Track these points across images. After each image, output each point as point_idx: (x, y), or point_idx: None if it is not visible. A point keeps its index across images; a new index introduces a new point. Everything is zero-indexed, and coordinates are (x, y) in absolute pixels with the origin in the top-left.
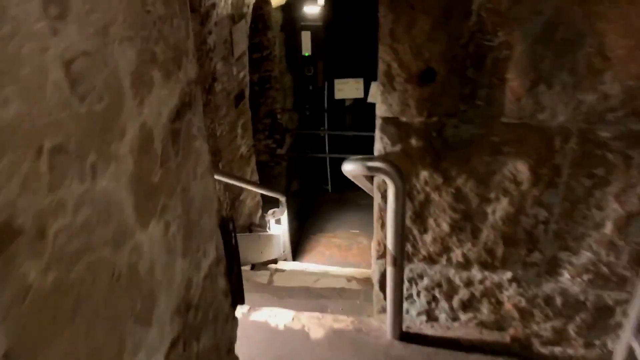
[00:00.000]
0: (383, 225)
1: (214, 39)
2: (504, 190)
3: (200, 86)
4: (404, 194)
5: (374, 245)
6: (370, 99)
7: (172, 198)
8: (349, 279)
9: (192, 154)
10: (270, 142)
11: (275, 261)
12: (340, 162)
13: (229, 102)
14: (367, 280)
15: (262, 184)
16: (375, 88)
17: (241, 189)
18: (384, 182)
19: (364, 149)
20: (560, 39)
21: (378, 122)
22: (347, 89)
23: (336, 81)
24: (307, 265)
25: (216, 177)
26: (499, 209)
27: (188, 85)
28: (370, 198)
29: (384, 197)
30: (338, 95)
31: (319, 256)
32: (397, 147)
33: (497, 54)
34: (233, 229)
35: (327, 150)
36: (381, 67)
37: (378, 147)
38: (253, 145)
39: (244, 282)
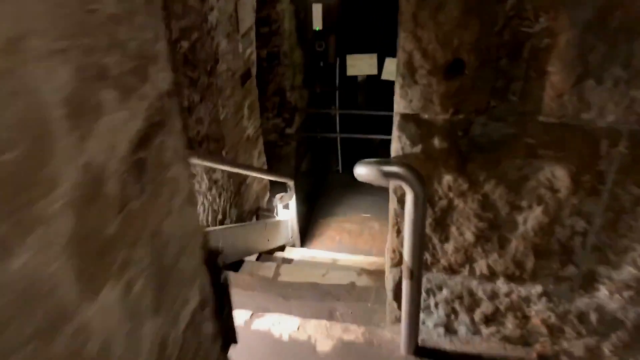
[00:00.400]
0: (399, 232)
1: (216, 16)
2: (538, 198)
3: (202, 68)
4: (425, 203)
5: (388, 252)
6: (384, 76)
7: (137, 247)
8: (360, 272)
9: (165, 184)
10: (278, 121)
11: (283, 248)
12: (351, 141)
13: (234, 82)
14: (378, 274)
15: (269, 165)
16: (390, 64)
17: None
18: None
19: (376, 128)
20: (614, 26)
21: (396, 119)
22: (360, 65)
23: (348, 57)
24: (316, 252)
25: (219, 166)
26: (531, 219)
27: (159, 99)
28: None
29: (401, 202)
30: (350, 71)
31: (328, 241)
32: (418, 148)
33: (537, 43)
34: (223, 261)
35: (338, 130)
36: (401, 57)
37: (396, 148)
38: (260, 125)
39: (249, 277)
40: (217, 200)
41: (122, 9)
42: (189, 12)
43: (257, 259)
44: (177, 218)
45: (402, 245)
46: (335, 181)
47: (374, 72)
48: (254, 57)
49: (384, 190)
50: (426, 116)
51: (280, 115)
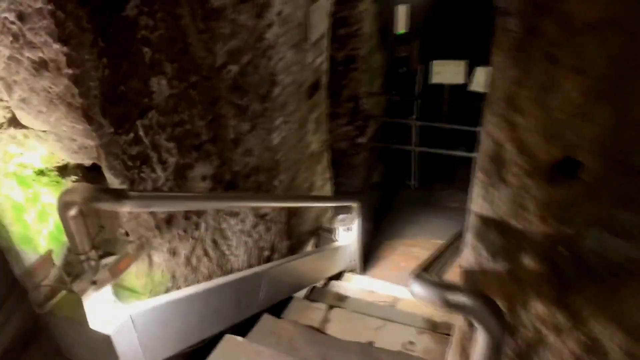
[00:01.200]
0: (465, 357)
1: (276, 32)
2: None
3: (254, 93)
4: (503, 348)
5: None
6: (473, 87)
7: None
8: (422, 327)
9: None
10: (350, 129)
11: (341, 275)
12: (429, 156)
13: (299, 95)
14: (444, 329)
15: (337, 174)
16: (480, 73)
17: (307, 190)
18: None
19: (458, 143)
20: None
21: (473, 221)
22: (447, 72)
23: (434, 62)
24: (376, 284)
25: (262, 204)
26: None
27: None
28: (462, 201)
29: (472, 325)
30: (435, 79)
31: (392, 267)
32: (500, 265)
33: None
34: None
35: (415, 142)
36: (486, 145)
37: (469, 260)
38: (329, 135)
39: (291, 327)
40: (264, 235)
41: None
42: (239, 31)
43: (310, 293)
44: None
45: None
46: (407, 198)
47: (462, 80)
48: (324, 66)
49: (460, 215)
50: (516, 224)
51: (353, 123)
